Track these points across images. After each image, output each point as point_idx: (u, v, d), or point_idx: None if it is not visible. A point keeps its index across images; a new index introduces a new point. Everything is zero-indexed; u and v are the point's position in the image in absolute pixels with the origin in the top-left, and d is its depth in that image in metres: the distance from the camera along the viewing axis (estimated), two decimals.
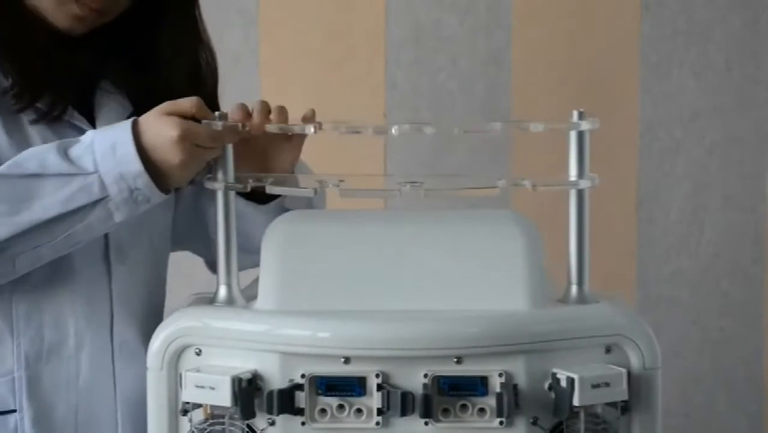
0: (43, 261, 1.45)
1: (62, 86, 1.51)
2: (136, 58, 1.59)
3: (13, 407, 1.50)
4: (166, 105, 1.42)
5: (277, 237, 1.40)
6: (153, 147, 1.40)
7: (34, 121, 1.49)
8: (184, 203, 1.66)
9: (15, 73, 1.49)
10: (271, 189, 1.43)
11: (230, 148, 1.42)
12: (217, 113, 1.42)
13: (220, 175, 1.42)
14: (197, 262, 1.75)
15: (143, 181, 1.39)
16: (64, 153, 1.41)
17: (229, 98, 1.59)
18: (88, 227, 1.42)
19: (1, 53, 1.49)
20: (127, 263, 1.55)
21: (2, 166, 1.41)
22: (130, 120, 1.42)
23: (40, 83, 1.49)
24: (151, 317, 1.56)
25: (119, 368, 1.53)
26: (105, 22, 1.54)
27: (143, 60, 1.58)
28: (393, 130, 1.37)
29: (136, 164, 1.39)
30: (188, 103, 1.42)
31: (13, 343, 1.50)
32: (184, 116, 1.40)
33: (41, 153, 1.41)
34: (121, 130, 1.41)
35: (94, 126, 1.53)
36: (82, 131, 1.48)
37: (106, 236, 1.51)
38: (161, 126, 1.40)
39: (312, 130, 1.43)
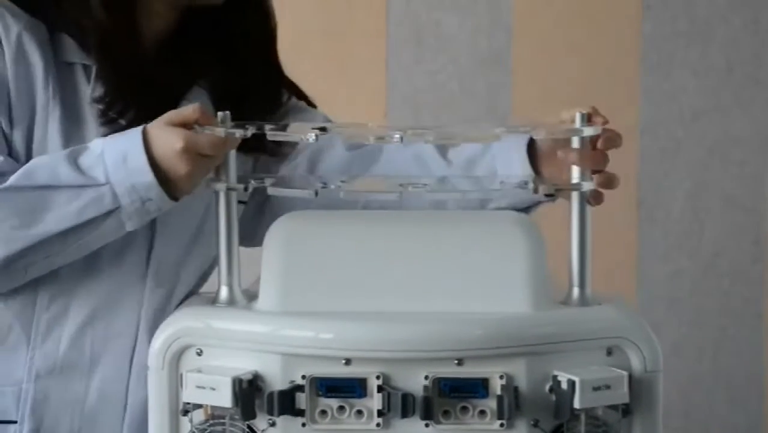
0: (53, 267, 1.45)
1: (152, 100, 1.48)
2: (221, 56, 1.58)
3: (14, 418, 1.48)
4: (170, 115, 1.41)
5: (279, 237, 1.40)
6: (160, 157, 1.39)
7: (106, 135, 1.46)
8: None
9: (112, 81, 1.47)
10: (272, 191, 1.43)
11: (233, 151, 1.42)
12: (219, 117, 1.41)
13: (222, 176, 1.41)
14: None
15: (155, 192, 1.39)
16: (75, 162, 1.40)
17: None
18: (99, 237, 1.42)
19: (101, 58, 1.47)
20: (167, 285, 1.52)
21: (13, 177, 1.40)
22: (139, 129, 1.41)
23: (135, 93, 1.47)
24: None
25: (132, 391, 1.50)
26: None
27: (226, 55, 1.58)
28: (395, 138, 1.37)
29: (147, 176, 1.39)
30: (190, 111, 1.41)
31: (28, 354, 1.48)
32: (187, 124, 1.40)
33: (52, 163, 1.41)
34: (132, 140, 1.40)
35: None
36: None
37: (148, 252, 1.50)
38: (166, 137, 1.39)
39: (312, 137, 1.41)
